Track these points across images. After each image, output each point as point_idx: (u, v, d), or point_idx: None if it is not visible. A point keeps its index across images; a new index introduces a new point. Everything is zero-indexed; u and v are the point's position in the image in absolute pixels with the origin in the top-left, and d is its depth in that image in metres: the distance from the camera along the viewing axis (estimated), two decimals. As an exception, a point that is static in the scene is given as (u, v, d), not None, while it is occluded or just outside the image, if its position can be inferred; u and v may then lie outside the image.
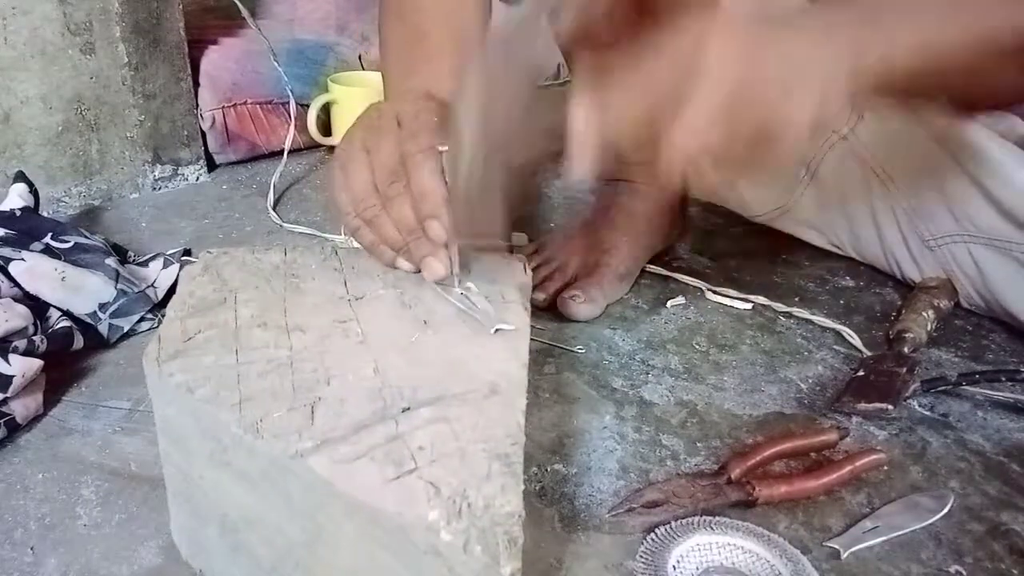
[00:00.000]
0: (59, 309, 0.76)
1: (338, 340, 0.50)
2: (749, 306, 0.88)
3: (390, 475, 0.39)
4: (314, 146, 1.32)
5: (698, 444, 0.67)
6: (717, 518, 0.56)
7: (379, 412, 0.44)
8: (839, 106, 0.53)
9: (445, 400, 0.45)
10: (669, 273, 0.94)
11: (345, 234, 0.62)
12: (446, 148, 0.55)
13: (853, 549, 0.56)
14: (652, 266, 0.94)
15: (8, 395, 0.65)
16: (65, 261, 0.80)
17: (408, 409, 0.44)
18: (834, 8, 0.57)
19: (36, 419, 0.69)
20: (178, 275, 0.83)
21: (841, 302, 0.90)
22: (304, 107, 1.26)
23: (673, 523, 0.56)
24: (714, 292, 0.90)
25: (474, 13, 0.73)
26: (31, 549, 0.56)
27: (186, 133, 1.19)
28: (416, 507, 0.37)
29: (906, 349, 0.78)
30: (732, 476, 0.60)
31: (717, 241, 1.04)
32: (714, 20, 0.52)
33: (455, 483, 0.39)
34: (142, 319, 0.80)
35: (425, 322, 0.53)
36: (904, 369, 0.73)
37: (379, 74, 1.08)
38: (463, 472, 0.39)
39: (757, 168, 0.56)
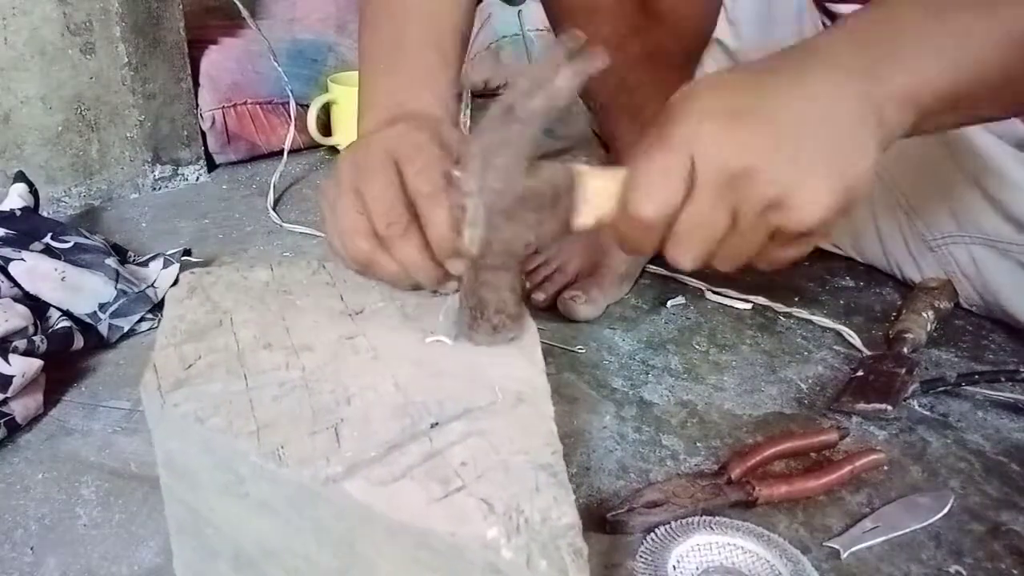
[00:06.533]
0: (59, 309, 0.76)
1: (349, 357, 0.48)
2: (749, 306, 0.88)
3: (437, 494, 0.38)
4: (314, 146, 1.32)
5: (698, 444, 0.67)
6: (717, 518, 0.56)
7: (408, 429, 0.42)
8: (870, 178, 0.46)
9: (473, 413, 0.44)
10: (669, 273, 0.94)
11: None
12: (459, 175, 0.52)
13: (853, 549, 0.56)
14: (652, 266, 0.94)
15: (8, 395, 0.65)
16: (65, 261, 0.80)
17: (437, 424, 0.43)
18: (840, 43, 0.49)
19: (36, 419, 0.69)
20: (177, 276, 0.83)
21: (841, 302, 0.90)
22: (304, 107, 1.26)
23: (673, 523, 0.56)
24: (714, 292, 0.90)
25: (454, 17, 0.72)
26: (31, 549, 0.56)
27: (186, 133, 1.19)
28: (471, 525, 0.36)
29: (906, 349, 0.78)
30: (732, 476, 0.60)
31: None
32: (692, 97, 0.47)
33: (507, 498, 0.37)
34: (142, 319, 0.80)
35: (432, 332, 0.52)
36: (904, 370, 0.73)
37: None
38: (512, 486, 0.38)
39: (792, 252, 0.50)
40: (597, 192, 0.49)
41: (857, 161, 0.46)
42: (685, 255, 0.48)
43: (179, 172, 1.19)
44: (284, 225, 1.07)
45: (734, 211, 0.46)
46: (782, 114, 0.46)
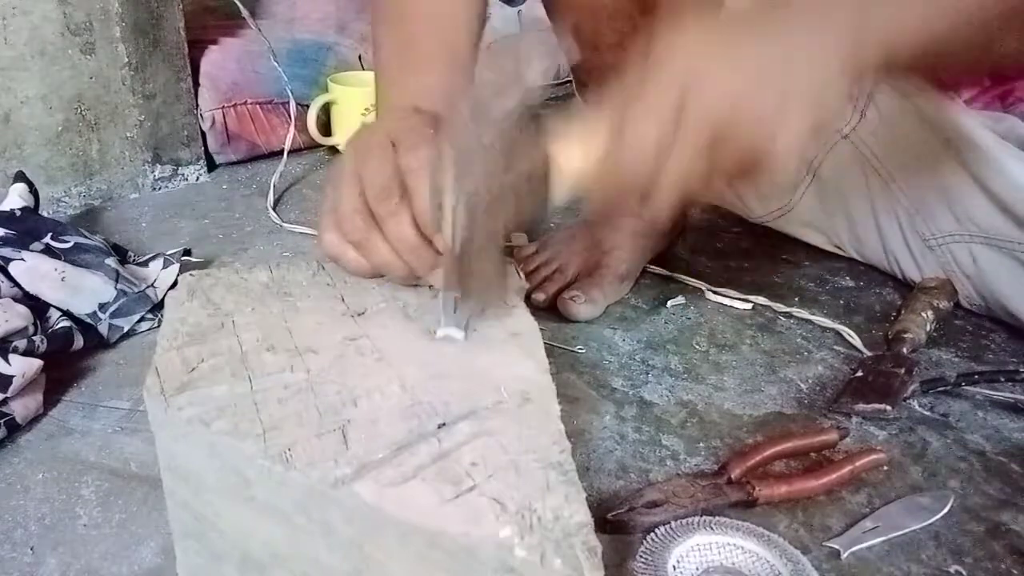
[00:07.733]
0: (59, 309, 0.76)
1: (354, 359, 0.48)
2: (749, 306, 0.88)
3: (448, 495, 0.38)
4: (314, 146, 1.32)
5: (698, 444, 0.67)
6: (717, 518, 0.56)
7: (415, 430, 0.42)
8: (839, 105, 0.51)
9: (480, 413, 0.44)
10: (669, 273, 0.94)
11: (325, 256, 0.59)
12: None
13: (853, 549, 0.56)
14: (652, 266, 0.94)
15: (8, 395, 0.65)
16: (65, 261, 0.80)
17: (444, 425, 0.43)
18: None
19: (36, 419, 0.69)
20: (177, 276, 0.83)
21: (841, 302, 0.90)
22: (304, 107, 1.26)
23: (673, 523, 0.56)
24: (714, 292, 0.90)
25: (466, 20, 0.72)
26: (31, 549, 0.56)
27: (186, 133, 1.19)
28: (484, 525, 0.36)
29: (905, 350, 0.78)
30: (732, 476, 0.60)
31: (717, 241, 1.04)
32: (682, 37, 0.50)
33: (518, 497, 0.38)
34: (142, 319, 0.80)
35: (435, 333, 0.52)
36: (903, 370, 0.73)
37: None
38: (523, 486, 0.38)
39: (754, 180, 0.55)
40: (568, 165, 0.51)
41: (830, 89, 0.50)
42: (670, 196, 0.50)
43: (179, 172, 1.19)
44: (284, 225, 1.07)
45: (724, 131, 0.49)
46: (767, 45, 0.49)
